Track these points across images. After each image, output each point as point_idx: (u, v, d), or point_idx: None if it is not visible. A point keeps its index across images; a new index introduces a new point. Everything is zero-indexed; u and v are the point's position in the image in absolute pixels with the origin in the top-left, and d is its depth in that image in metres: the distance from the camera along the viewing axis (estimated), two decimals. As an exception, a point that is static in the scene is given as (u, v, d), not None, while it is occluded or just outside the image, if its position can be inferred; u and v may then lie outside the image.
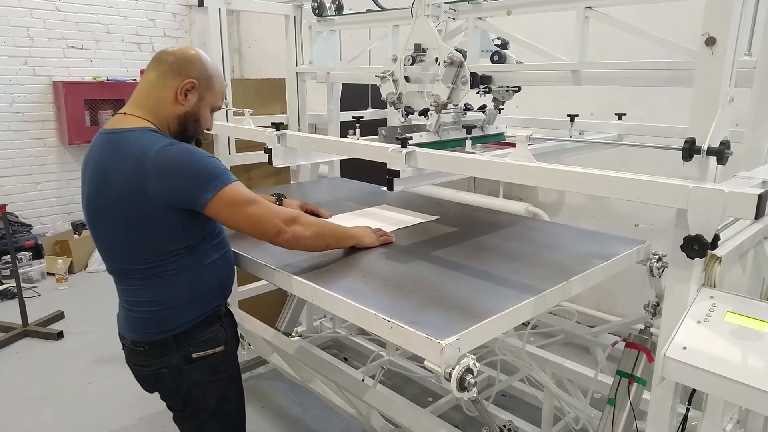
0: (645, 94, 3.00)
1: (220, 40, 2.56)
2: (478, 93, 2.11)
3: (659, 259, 1.78)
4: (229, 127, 2.53)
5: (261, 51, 5.77)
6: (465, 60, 1.90)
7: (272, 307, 3.37)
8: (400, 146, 1.60)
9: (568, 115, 2.36)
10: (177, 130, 1.57)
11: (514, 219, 2.25)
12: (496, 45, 2.21)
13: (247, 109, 2.28)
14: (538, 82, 2.02)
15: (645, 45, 1.78)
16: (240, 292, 2.88)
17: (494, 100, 2.26)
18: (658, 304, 1.86)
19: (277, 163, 2.04)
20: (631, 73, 1.77)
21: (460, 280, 1.51)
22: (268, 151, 2.03)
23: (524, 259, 1.69)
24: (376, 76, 2.18)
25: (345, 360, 3.10)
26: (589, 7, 1.84)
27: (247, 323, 2.49)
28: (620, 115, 2.45)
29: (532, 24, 2.41)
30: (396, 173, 1.59)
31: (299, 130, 2.93)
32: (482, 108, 2.35)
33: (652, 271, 1.81)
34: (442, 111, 2.02)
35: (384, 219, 2.14)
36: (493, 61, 2.13)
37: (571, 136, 2.35)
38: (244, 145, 2.79)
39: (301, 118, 2.93)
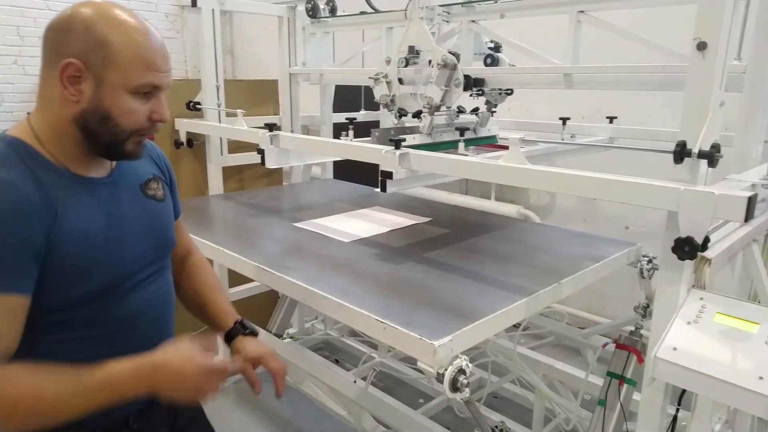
0: (636, 97, 3.02)
1: (213, 41, 2.55)
2: (471, 96, 2.12)
3: (649, 261, 1.79)
4: (222, 128, 2.53)
5: (254, 52, 5.76)
6: (458, 62, 1.91)
7: (263, 308, 3.36)
8: (393, 148, 1.61)
9: (560, 118, 2.37)
10: (80, 138, 1.04)
11: (506, 221, 2.26)
12: (489, 48, 2.23)
13: (239, 110, 2.28)
14: (531, 85, 2.04)
15: (637, 49, 1.80)
16: (232, 293, 2.87)
17: (487, 102, 2.27)
18: (648, 306, 1.87)
19: (270, 164, 2.04)
20: (623, 77, 1.79)
21: (453, 282, 1.51)
22: (261, 152, 2.03)
23: (516, 261, 1.70)
24: (369, 78, 2.18)
25: (336, 362, 3.09)
26: (582, 11, 1.85)
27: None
28: (611, 119, 2.47)
29: (525, 27, 2.42)
30: (389, 174, 1.59)
31: (292, 132, 2.93)
32: (475, 110, 2.36)
33: (642, 273, 1.82)
34: (436, 113, 2.03)
35: (376, 220, 2.14)
36: (486, 64, 2.14)
37: (563, 139, 2.36)
38: (236, 146, 2.79)
39: (294, 120, 2.93)
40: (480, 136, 2.37)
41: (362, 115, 3.31)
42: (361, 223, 2.04)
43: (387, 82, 2.14)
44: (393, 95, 2.14)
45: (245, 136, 2.20)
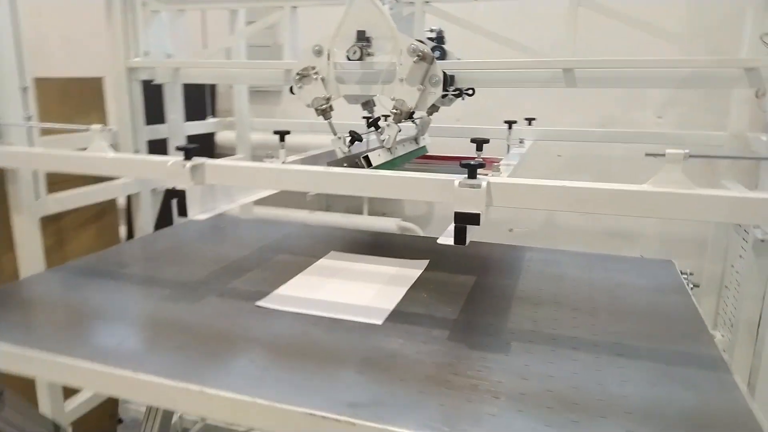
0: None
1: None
2: (445, 96, 1.67)
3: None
4: (81, 157, 1.36)
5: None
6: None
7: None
8: (466, 177, 1.07)
9: (505, 122, 2.08)
10: None
11: (496, 248, 1.81)
12: (429, 38, 1.82)
13: (96, 125, 1.38)
14: (519, 83, 1.68)
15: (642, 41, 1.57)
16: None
17: (432, 106, 1.85)
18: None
19: (193, 213, 1.26)
20: (642, 73, 1.55)
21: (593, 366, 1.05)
22: (178, 194, 1.23)
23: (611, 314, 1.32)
24: (297, 73, 1.57)
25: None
26: (582, -5, 1.57)
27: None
28: (530, 120, 2.28)
29: (474, 13, 2.03)
30: (475, 219, 1.04)
31: (137, 151, 2.03)
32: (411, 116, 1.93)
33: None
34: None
35: (368, 277, 1.44)
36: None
37: (508, 145, 2.08)
38: (52, 182, 1.78)
39: (138, 134, 2.02)
40: (420, 147, 1.98)
41: (208, 125, 2.54)
42: (355, 286, 1.39)
43: (322, 80, 1.57)
44: (330, 98, 1.59)
45: (138, 170, 1.32)
